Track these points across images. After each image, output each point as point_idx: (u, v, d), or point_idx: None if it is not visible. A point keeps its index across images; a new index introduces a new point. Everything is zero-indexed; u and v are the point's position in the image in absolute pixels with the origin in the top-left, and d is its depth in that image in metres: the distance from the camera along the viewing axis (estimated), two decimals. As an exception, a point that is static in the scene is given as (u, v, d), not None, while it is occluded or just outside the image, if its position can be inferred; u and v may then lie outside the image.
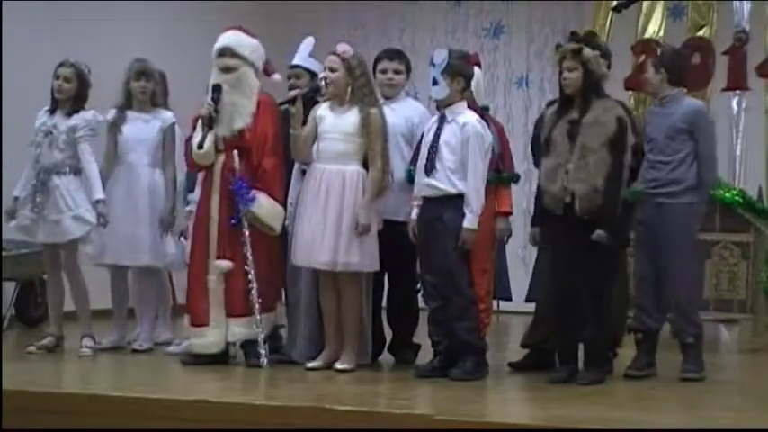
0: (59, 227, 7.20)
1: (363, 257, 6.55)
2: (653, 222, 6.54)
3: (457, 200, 6.36)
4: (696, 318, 6.62)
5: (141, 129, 7.53)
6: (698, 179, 6.57)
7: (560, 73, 6.36)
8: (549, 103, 6.90)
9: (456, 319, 6.38)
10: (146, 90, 7.56)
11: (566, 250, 6.29)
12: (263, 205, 6.70)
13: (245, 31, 6.94)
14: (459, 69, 6.45)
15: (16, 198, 7.32)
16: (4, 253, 8.43)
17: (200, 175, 7.07)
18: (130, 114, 7.58)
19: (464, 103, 6.51)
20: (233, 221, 6.69)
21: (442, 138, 6.40)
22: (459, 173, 6.36)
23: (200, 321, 6.78)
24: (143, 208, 7.47)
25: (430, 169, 6.39)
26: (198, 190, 7.33)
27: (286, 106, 6.76)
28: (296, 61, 7.20)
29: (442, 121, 6.46)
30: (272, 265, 6.80)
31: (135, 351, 7.45)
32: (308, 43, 7.22)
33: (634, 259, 6.88)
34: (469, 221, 6.35)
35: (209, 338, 6.77)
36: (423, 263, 6.57)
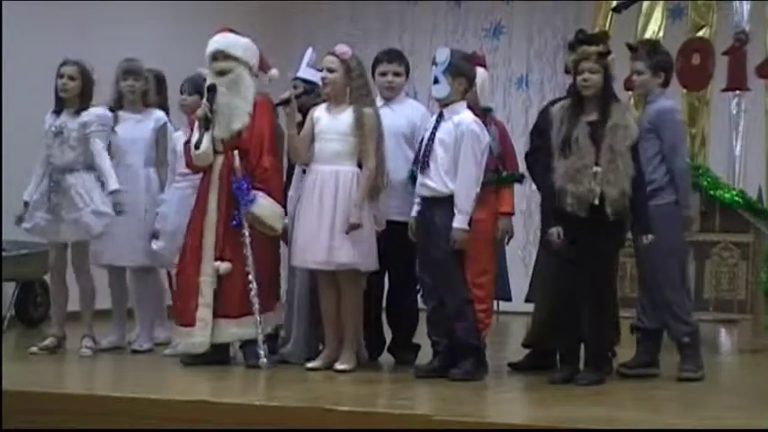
0: (80, 224, 7.17)
1: (360, 256, 6.54)
2: (633, 228, 6.45)
3: (449, 200, 6.34)
4: (688, 318, 6.58)
5: (134, 129, 7.50)
6: (669, 175, 6.51)
7: (576, 73, 6.28)
8: (552, 102, 6.86)
9: (454, 319, 6.38)
10: (134, 89, 7.53)
11: (575, 251, 6.26)
12: (264, 205, 6.70)
13: (233, 31, 6.93)
14: (462, 69, 6.43)
15: (26, 203, 7.26)
16: (4, 253, 8.44)
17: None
18: (123, 115, 7.55)
19: (464, 103, 6.48)
20: (233, 222, 6.69)
21: (437, 136, 6.39)
22: (451, 173, 6.33)
23: (187, 321, 6.76)
24: (139, 208, 7.46)
25: (424, 168, 6.38)
26: (167, 190, 7.42)
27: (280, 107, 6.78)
28: (296, 74, 7.21)
29: (439, 119, 6.46)
30: (270, 265, 6.82)
31: (135, 352, 7.46)
32: (306, 55, 7.22)
33: (635, 260, 6.86)
34: (459, 221, 6.30)
35: (196, 339, 6.74)
36: (420, 263, 6.58)
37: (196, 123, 6.81)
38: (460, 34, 11.63)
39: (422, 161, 6.40)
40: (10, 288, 9.01)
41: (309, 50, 7.23)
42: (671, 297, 6.53)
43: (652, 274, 6.52)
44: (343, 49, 6.73)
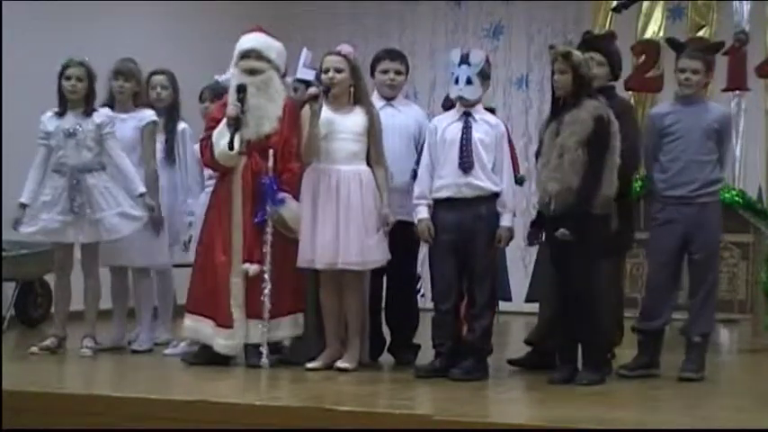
0: (102, 225, 7.16)
1: (384, 254, 6.61)
2: (692, 223, 6.48)
3: (492, 199, 6.41)
4: (713, 316, 6.65)
5: (118, 128, 7.40)
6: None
7: (552, 74, 6.37)
8: None
9: (476, 317, 6.40)
10: (123, 90, 7.49)
11: (561, 250, 6.28)
12: (291, 208, 6.67)
13: (265, 32, 6.91)
14: (488, 73, 6.57)
15: (23, 205, 7.20)
16: (4, 253, 8.43)
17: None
18: None
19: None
20: (257, 220, 6.66)
21: (476, 136, 6.42)
22: (495, 172, 6.42)
23: (227, 323, 6.73)
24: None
25: (468, 168, 6.39)
26: (190, 200, 7.45)
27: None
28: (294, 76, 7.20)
29: (467, 119, 6.47)
30: (293, 267, 6.69)
31: (135, 352, 7.45)
32: (302, 55, 7.21)
33: (648, 261, 6.84)
34: (508, 220, 6.43)
35: (235, 340, 6.74)
36: (443, 263, 6.47)
37: (223, 122, 6.73)
38: (460, 34, 11.64)
39: (463, 161, 6.39)
40: (10, 288, 9.01)
41: (305, 51, 7.21)
42: (711, 292, 6.61)
43: (704, 267, 6.54)
44: (348, 48, 6.72)
